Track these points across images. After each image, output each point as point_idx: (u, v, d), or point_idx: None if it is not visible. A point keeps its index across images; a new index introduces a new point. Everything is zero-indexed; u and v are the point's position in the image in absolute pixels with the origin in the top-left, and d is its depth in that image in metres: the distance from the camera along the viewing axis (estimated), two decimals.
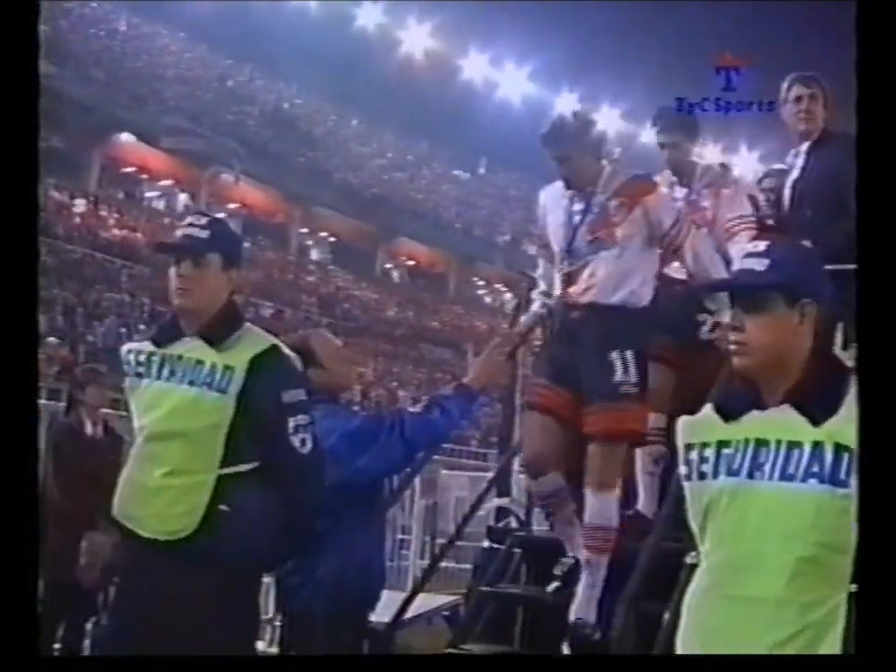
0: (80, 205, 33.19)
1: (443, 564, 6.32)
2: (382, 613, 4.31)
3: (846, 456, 2.20)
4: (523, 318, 4.87)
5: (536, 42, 48.92)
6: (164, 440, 3.27)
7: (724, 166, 5.33)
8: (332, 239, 45.91)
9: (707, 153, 45.67)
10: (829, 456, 2.22)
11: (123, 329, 22.94)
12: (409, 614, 4.86)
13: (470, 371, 4.09)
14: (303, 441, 3.27)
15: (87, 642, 5.92)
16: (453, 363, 33.96)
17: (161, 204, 40.53)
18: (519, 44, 51.43)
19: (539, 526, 5.46)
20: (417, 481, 8.61)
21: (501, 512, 5.60)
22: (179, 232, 3.42)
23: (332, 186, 44.08)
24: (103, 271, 28.53)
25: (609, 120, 44.23)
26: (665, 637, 3.63)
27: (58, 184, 31.89)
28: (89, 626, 5.98)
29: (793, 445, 2.26)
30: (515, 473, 5.82)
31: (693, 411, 2.52)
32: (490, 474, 6.95)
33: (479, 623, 4.91)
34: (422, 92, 49.53)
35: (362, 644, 4.00)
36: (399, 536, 10.80)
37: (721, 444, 2.35)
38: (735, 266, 2.45)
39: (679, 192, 5.04)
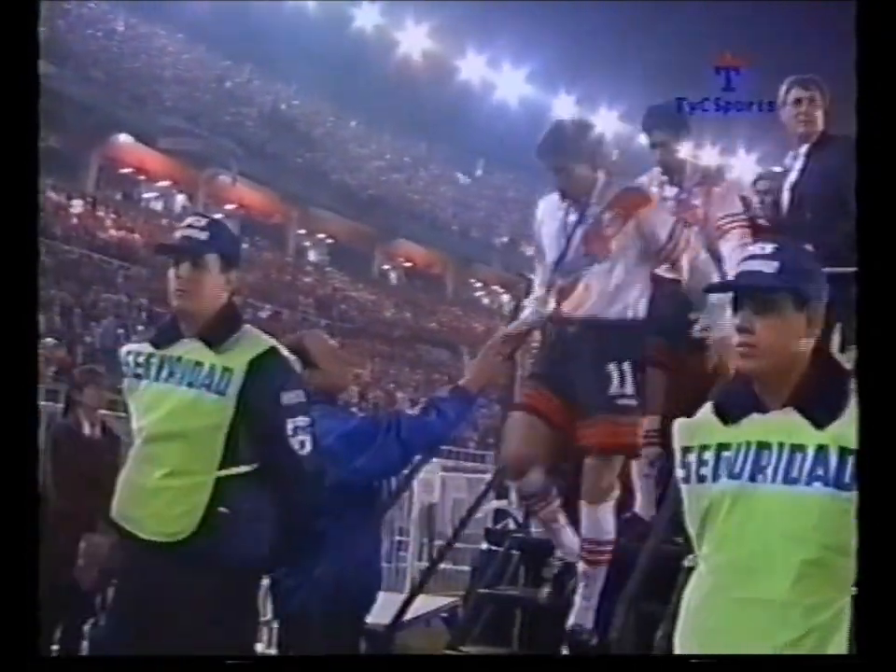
0: (78, 206, 33.17)
1: (441, 566, 6.31)
2: (380, 615, 4.31)
3: (850, 460, 2.20)
4: (515, 322, 4.81)
5: (533, 43, 48.93)
6: (163, 441, 3.27)
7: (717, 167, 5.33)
8: (330, 240, 45.91)
9: (705, 155, 45.76)
10: (833, 460, 2.22)
11: (121, 330, 22.95)
12: (407, 616, 4.86)
13: (467, 373, 4.09)
14: (303, 443, 3.27)
15: (85, 644, 5.91)
16: (450, 364, 33.95)
17: (158, 205, 40.52)
18: (516, 45, 51.44)
19: (538, 528, 5.45)
20: (415, 482, 8.59)
21: (499, 514, 5.60)
22: (178, 234, 3.42)
23: (330, 187, 44.06)
24: (100, 271, 28.50)
25: (606, 122, 44.25)
26: (664, 638, 3.63)
27: (56, 184, 31.86)
28: (86, 628, 5.97)
29: (796, 448, 2.26)
30: None
31: (685, 411, 2.52)
32: (488, 476, 6.95)
33: (477, 624, 4.90)
34: (419, 93, 49.54)
35: (360, 645, 4.01)
36: (397, 537, 10.79)
37: (721, 447, 2.34)
38: (740, 267, 2.42)
39: (670, 191, 5.03)
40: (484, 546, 5.41)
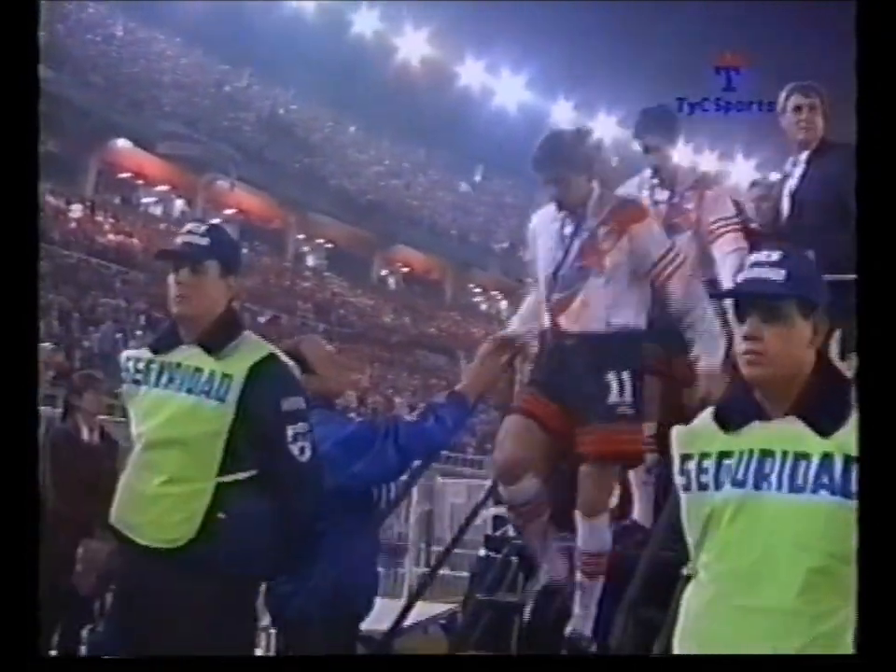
0: (76, 210, 33.19)
1: (440, 572, 6.30)
2: (378, 621, 4.30)
3: (855, 468, 2.19)
4: (510, 328, 4.75)
5: (532, 49, 49.03)
6: (162, 447, 3.26)
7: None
8: (328, 245, 45.95)
9: (703, 160, 45.80)
10: (839, 468, 2.21)
11: (119, 335, 22.96)
12: (405, 622, 4.85)
13: (464, 378, 4.08)
14: (302, 450, 3.26)
15: (83, 649, 5.90)
16: (448, 370, 33.96)
17: (157, 210, 40.54)
18: (515, 50, 51.55)
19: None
20: (414, 488, 8.59)
21: (498, 521, 5.59)
22: (179, 240, 3.41)
23: (329, 192, 44.12)
24: (99, 276, 28.53)
25: (605, 128, 44.25)
26: (663, 645, 3.62)
27: (54, 189, 31.88)
28: (85, 633, 5.96)
29: (801, 456, 2.25)
30: None
31: (680, 417, 2.51)
32: (487, 482, 6.94)
33: (476, 631, 4.89)
34: (418, 99, 49.59)
35: (357, 651, 4.00)
36: (396, 543, 10.79)
37: (723, 455, 2.33)
38: (746, 274, 2.40)
39: (662, 195, 5.01)
40: (483, 552, 5.40)
